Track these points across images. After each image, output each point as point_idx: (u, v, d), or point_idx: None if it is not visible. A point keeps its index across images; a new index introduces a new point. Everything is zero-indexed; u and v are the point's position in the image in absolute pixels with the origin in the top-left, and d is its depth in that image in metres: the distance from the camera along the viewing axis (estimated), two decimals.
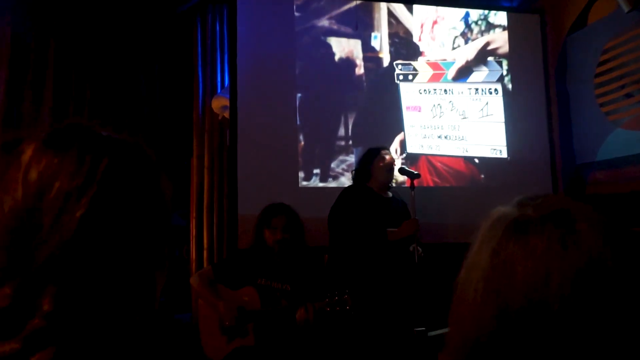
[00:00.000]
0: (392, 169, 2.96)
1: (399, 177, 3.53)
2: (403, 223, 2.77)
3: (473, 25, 4.00)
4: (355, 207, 2.91)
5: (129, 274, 0.60)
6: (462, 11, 4.03)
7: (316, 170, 3.78)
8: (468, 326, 0.65)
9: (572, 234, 0.63)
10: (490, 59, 3.95)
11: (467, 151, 3.85)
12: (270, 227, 2.71)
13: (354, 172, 3.13)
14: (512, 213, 0.67)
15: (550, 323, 0.60)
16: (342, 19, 3.88)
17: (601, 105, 3.70)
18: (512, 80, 3.94)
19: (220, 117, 4.08)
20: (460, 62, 3.91)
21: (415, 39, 3.92)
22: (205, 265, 3.90)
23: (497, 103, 3.90)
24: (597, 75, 3.74)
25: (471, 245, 0.69)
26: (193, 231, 4.05)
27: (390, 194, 3.02)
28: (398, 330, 2.71)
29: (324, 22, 3.88)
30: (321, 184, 3.77)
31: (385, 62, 3.90)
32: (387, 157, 3.02)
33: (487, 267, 0.65)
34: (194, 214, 4.06)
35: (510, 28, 4.04)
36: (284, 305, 2.60)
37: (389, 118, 3.82)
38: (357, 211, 2.89)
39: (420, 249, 2.75)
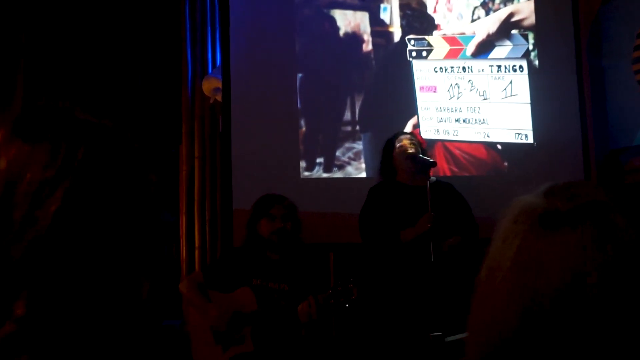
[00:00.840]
0: (408, 156, 2.96)
1: None
2: (419, 221, 2.79)
3: None
4: (375, 208, 2.93)
5: (111, 275, 0.60)
6: None
7: (319, 160, 3.78)
8: (490, 327, 0.65)
9: (609, 230, 0.63)
10: (514, 32, 3.92)
11: (488, 136, 3.84)
12: (268, 216, 2.72)
13: (379, 169, 3.14)
14: (538, 204, 0.66)
15: (584, 325, 0.60)
16: None
17: None
18: (539, 56, 3.91)
19: (211, 101, 4.08)
20: (480, 36, 3.89)
21: (429, 11, 3.90)
22: (196, 265, 3.92)
23: (522, 82, 3.88)
24: (636, 48, 3.71)
25: (492, 240, 0.69)
26: (183, 228, 4.06)
27: (432, 180, 2.99)
28: (412, 335, 2.72)
29: None
30: (325, 175, 3.76)
31: (396, 37, 3.88)
32: (400, 144, 3.01)
33: (511, 265, 0.65)
34: (184, 209, 4.06)
35: None
36: (282, 305, 2.61)
37: (400, 100, 3.81)
38: (376, 213, 2.91)
39: (450, 242, 2.77)
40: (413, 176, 3.00)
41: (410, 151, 2.98)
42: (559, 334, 0.61)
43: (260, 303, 2.62)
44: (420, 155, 3.00)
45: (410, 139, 3.05)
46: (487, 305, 0.66)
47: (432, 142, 3.80)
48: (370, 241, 2.93)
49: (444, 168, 3.78)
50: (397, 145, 3.02)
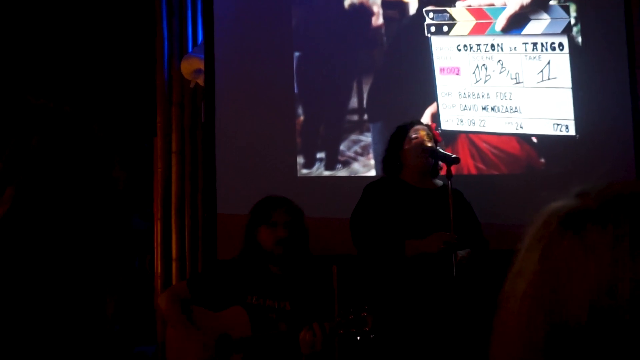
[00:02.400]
0: (426, 150, 2.96)
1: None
2: (430, 236, 2.79)
3: None
4: (376, 209, 2.94)
5: (68, 291, 0.60)
6: None
7: (320, 155, 3.77)
8: (514, 349, 0.65)
9: None
10: (553, 2, 3.92)
11: (521, 127, 3.83)
12: (269, 223, 2.71)
13: (382, 161, 3.15)
14: (567, 206, 0.68)
15: (619, 339, 0.60)
16: None
17: None
18: (582, 32, 3.90)
19: (192, 85, 4.07)
20: (512, 8, 3.88)
21: None
22: (174, 281, 3.92)
23: (562, 62, 3.87)
24: None
25: (518, 250, 0.70)
26: (158, 236, 4.06)
27: (439, 183, 3.01)
28: None
29: None
30: (327, 173, 3.76)
31: (412, 9, 3.88)
32: (416, 135, 3.01)
33: (534, 273, 0.66)
34: (159, 214, 4.06)
35: None
36: (282, 329, 2.60)
37: (416, 84, 3.81)
38: (377, 215, 2.92)
39: (461, 254, 2.76)
40: (423, 176, 3.00)
41: (429, 144, 2.98)
42: (591, 354, 0.62)
43: (255, 326, 2.61)
44: (441, 150, 3.00)
45: (427, 132, 3.05)
46: (510, 325, 0.67)
47: (454, 134, 3.79)
48: (365, 249, 2.94)
49: (468, 165, 3.78)
50: (412, 136, 3.02)
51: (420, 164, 2.98)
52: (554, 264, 0.65)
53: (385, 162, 3.10)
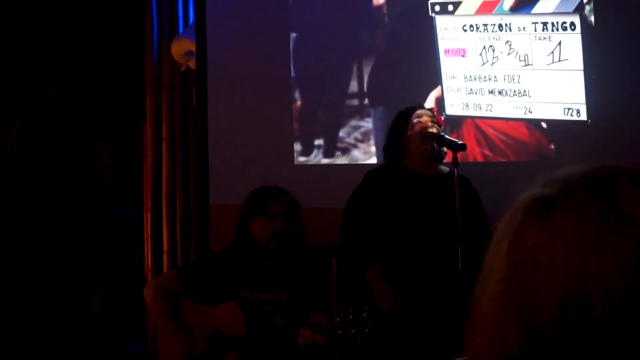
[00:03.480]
0: (431, 136, 2.95)
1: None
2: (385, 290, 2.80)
3: None
4: (375, 197, 2.94)
5: (52, 285, 0.60)
6: None
7: (318, 141, 3.77)
8: (487, 352, 0.65)
9: (615, 206, 0.63)
10: None
11: (530, 112, 3.82)
12: (266, 214, 2.71)
13: (384, 147, 3.15)
14: (533, 195, 0.68)
15: (592, 335, 0.60)
16: None
17: None
18: (595, 11, 3.89)
19: (183, 68, 4.06)
20: None
21: None
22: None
23: (573, 43, 3.86)
24: None
25: (489, 246, 0.70)
26: (148, 228, 4.06)
27: (444, 170, 3.01)
28: None
29: None
30: (326, 160, 3.76)
31: None
32: (419, 119, 3.01)
33: (503, 268, 0.66)
34: (150, 204, 4.06)
35: None
36: (278, 323, 2.61)
37: (420, 66, 3.80)
38: (374, 204, 2.92)
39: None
40: (428, 162, 3.00)
41: (432, 130, 2.97)
42: (566, 353, 0.61)
43: (249, 322, 2.61)
44: (446, 136, 3.00)
45: (431, 116, 3.05)
46: (482, 329, 0.66)
47: (459, 119, 3.79)
48: (342, 243, 2.98)
49: (474, 152, 3.77)
50: (415, 120, 3.02)
51: (424, 150, 2.98)
52: (521, 257, 0.64)
53: (387, 149, 3.10)
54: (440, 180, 2.98)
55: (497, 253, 0.67)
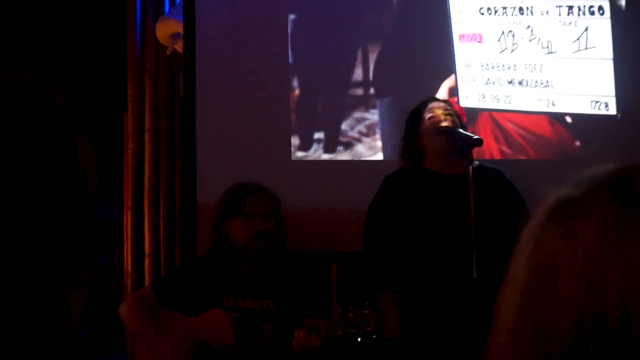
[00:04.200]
0: (444, 130, 2.95)
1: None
2: (387, 319, 2.80)
3: None
4: (395, 206, 2.95)
5: (23, 289, 0.59)
6: None
7: (318, 135, 3.77)
8: None
9: (637, 209, 0.63)
10: None
11: (553, 105, 3.82)
12: (242, 213, 2.72)
13: (400, 150, 3.16)
14: (555, 198, 0.69)
15: (607, 351, 0.60)
16: None
17: None
18: None
19: (169, 51, 4.06)
20: None
21: None
22: (147, 279, 3.92)
23: (602, 29, 3.85)
24: None
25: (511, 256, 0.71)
26: (129, 229, 4.06)
27: (475, 163, 2.98)
28: None
29: None
30: (326, 156, 3.75)
31: None
32: (431, 114, 3.00)
33: (523, 278, 0.66)
34: (130, 203, 4.06)
35: None
36: (267, 332, 2.61)
37: (431, 53, 3.79)
38: (395, 214, 2.94)
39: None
40: (448, 160, 3.00)
41: (444, 124, 2.97)
42: None
43: (238, 330, 2.62)
44: (460, 130, 2.99)
45: (445, 108, 3.04)
46: (501, 343, 0.67)
47: (475, 112, 3.79)
48: (365, 256, 2.99)
49: (490, 148, 3.77)
50: (427, 116, 3.02)
51: (440, 148, 2.98)
52: (540, 265, 0.65)
53: (404, 151, 3.10)
54: (464, 179, 2.97)
55: (519, 260, 0.67)
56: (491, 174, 3.04)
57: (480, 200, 2.81)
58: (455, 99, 3.41)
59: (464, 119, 3.15)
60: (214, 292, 2.73)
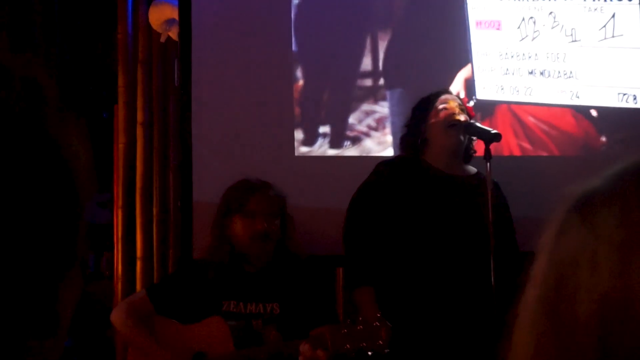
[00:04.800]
0: (458, 124, 2.95)
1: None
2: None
3: None
4: (385, 195, 2.94)
5: (8, 283, 0.60)
6: None
7: (324, 129, 3.77)
8: None
9: None
10: None
11: (577, 97, 3.82)
12: (244, 213, 2.72)
13: (401, 138, 3.15)
14: (583, 187, 0.69)
15: (632, 354, 0.60)
16: None
17: None
18: None
19: (163, 39, 4.06)
20: None
21: None
22: (138, 284, 3.93)
23: (630, 15, 3.85)
24: None
25: (536, 253, 0.71)
26: (119, 230, 4.07)
27: (471, 170, 3.01)
28: None
29: None
30: (332, 152, 3.76)
31: None
32: (445, 105, 3.01)
33: (543, 272, 0.66)
34: (121, 202, 4.07)
35: None
36: (272, 338, 2.62)
37: (445, 41, 3.79)
38: (383, 204, 2.93)
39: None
40: (452, 159, 3.00)
41: (459, 117, 2.97)
42: None
43: (238, 340, 2.62)
44: (477, 124, 3.00)
45: (460, 104, 3.05)
46: (520, 345, 0.67)
47: (492, 105, 3.78)
48: (346, 249, 2.98)
49: (509, 144, 3.77)
50: (440, 107, 3.02)
51: (449, 142, 2.98)
52: (560, 258, 0.66)
53: (405, 139, 3.10)
54: (464, 183, 2.98)
55: (540, 259, 0.68)
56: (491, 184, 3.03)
57: (477, 207, 2.82)
58: (466, 99, 3.39)
59: (473, 115, 3.14)
60: (213, 296, 2.73)
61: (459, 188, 2.96)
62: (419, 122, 3.06)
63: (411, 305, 2.87)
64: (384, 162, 3.09)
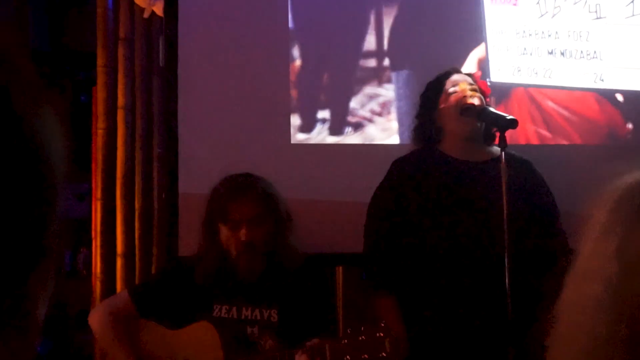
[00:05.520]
0: (470, 109, 2.94)
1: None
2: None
3: None
4: (399, 199, 2.97)
5: None
6: None
7: (323, 114, 3.77)
8: None
9: None
10: None
11: (602, 80, 3.82)
12: (226, 221, 2.71)
13: (412, 130, 3.18)
14: None
15: None
16: None
17: None
18: None
19: (147, 14, 4.05)
20: None
21: None
22: (119, 284, 3.93)
23: None
24: None
25: (579, 247, 0.71)
26: (97, 224, 4.06)
27: (494, 152, 3.00)
28: None
29: None
30: (332, 139, 3.76)
31: None
32: (455, 88, 3.00)
33: (609, 272, 0.67)
34: (100, 193, 4.06)
35: None
36: (269, 350, 2.62)
37: (457, 18, 3.79)
38: (399, 208, 2.96)
39: None
40: (470, 144, 3.00)
41: (471, 101, 2.97)
42: None
43: (228, 348, 2.62)
44: (491, 109, 2.99)
45: (470, 83, 3.04)
46: (578, 343, 0.68)
47: (508, 88, 3.79)
48: (366, 252, 3.04)
49: (527, 131, 3.78)
50: (450, 90, 3.01)
51: (463, 130, 2.98)
52: (634, 259, 0.66)
53: (418, 130, 3.11)
54: (487, 168, 2.97)
55: (596, 253, 0.68)
56: (520, 166, 3.02)
57: (507, 194, 2.82)
58: (479, 73, 3.38)
59: (487, 99, 3.13)
60: (203, 298, 2.72)
61: (479, 174, 2.96)
62: (430, 110, 3.05)
63: (433, 306, 2.89)
64: (400, 159, 3.09)
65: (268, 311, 2.70)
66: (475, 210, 2.90)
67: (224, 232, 2.73)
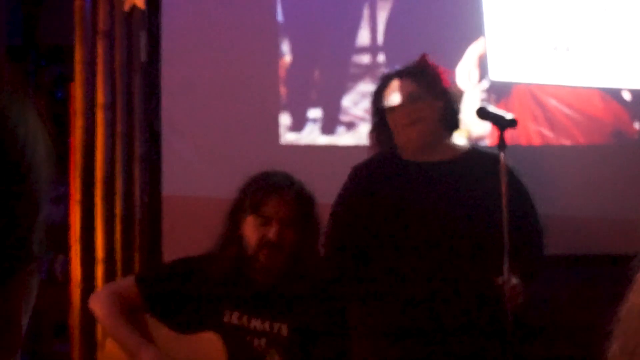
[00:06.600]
0: (409, 120, 2.93)
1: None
2: None
3: None
4: (358, 207, 2.98)
5: None
6: None
7: (314, 113, 3.77)
8: None
9: None
10: None
11: (608, 77, 3.83)
12: (257, 215, 2.68)
13: (368, 134, 3.16)
14: None
15: None
16: None
17: None
18: None
19: (127, 7, 4.05)
20: None
21: None
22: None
23: None
24: None
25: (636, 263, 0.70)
26: (76, 228, 4.06)
27: (461, 148, 3.00)
28: None
29: None
30: (324, 139, 3.76)
31: None
32: (390, 89, 2.96)
33: None
34: (78, 196, 4.06)
35: None
36: None
37: (454, 11, 3.80)
38: (358, 217, 2.96)
39: (514, 281, 2.76)
40: (425, 148, 2.97)
41: (410, 128, 2.94)
42: None
43: (232, 358, 2.62)
44: (490, 108, 3.00)
45: (409, 113, 2.97)
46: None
47: (509, 86, 3.79)
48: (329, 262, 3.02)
49: (528, 132, 3.79)
50: (388, 104, 2.97)
51: (408, 140, 2.94)
52: None
53: (372, 135, 3.09)
54: (450, 167, 2.96)
55: None
56: (486, 161, 2.97)
57: (469, 194, 2.83)
58: (427, 55, 3.15)
59: (447, 85, 3.08)
60: (214, 302, 2.69)
61: (439, 175, 2.95)
62: (379, 116, 3.03)
63: (401, 308, 2.90)
64: (359, 165, 3.07)
65: (278, 325, 2.67)
66: (431, 212, 2.89)
67: (251, 224, 2.69)
